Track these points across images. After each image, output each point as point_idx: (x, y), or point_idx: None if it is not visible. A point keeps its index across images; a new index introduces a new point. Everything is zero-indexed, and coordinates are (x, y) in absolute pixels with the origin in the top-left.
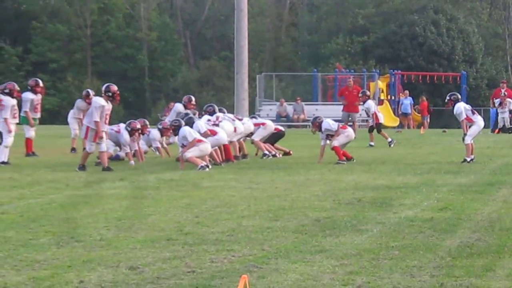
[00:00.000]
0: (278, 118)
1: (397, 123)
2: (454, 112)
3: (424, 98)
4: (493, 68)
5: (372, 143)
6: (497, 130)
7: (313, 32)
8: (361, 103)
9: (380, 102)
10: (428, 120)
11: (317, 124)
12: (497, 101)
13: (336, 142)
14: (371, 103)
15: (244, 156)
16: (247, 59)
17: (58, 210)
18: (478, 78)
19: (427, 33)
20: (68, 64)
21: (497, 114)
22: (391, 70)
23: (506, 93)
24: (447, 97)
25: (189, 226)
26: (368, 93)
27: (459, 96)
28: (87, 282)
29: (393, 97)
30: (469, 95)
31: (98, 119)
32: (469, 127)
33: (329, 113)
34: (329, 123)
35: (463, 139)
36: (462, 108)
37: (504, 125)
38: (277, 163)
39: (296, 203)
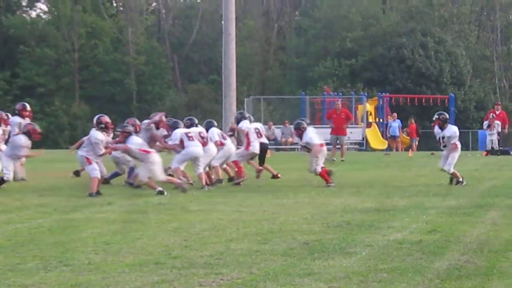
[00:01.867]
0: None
1: (385, 146)
2: (449, 134)
3: (413, 121)
4: (481, 90)
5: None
6: (485, 153)
7: (301, 55)
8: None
9: (369, 125)
10: (417, 143)
11: (300, 132)
12: (485, 123)
13: (318, 168)
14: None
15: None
16: (235, 82)
17: (46, 234)
18: (467, 101)
19: (415, 56)
20: (55, 88)
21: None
22: (379, 93)
23: (494, 115)
24: (436, 116)
25: (177, 249)
26: None
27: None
28: None
29: (381, 120)
30: (457, 117)
31: (101, 153)
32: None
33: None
34: (310, 137)
35: (444, 168)
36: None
37: (492, 147)
38: (266, 186)
39: (285, 226)
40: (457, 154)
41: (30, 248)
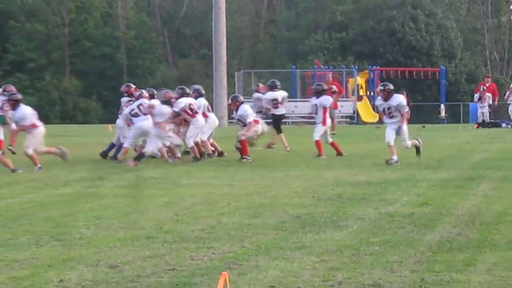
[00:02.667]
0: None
1: (376, 119)
2: (395, 104)
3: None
4: (472, 63)
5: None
6: (476, 125)
7: (292, 28)
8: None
9: (359, 98)
10: (408, 116)
11: (236, 104)
12: (476, 96)
13: (243, 136)
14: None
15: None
16: (225, 56)
17: (37, 209)
18: (457, 73)
19: (405, 29)
20: (46, 63)
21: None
22: (370, 66)
23: (485, 87)
24: (381, 87)
25: (168, 224)
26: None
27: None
28: (67, 281)
29: (372, 93)
30: (448, 90)
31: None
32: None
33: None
34: (246, 111)
35: (406, 145)
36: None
37: (483, 120)
38: (256, 161)
39: (276, 200)
40: (406, 126)
41: (22, 223)
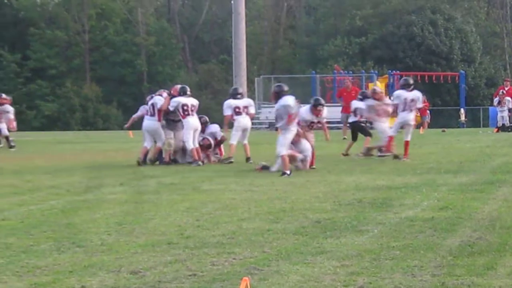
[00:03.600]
0: None
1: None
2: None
3: (424, 98)
4: (491, 67)
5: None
6: (496, 129)
7: (311, 34)
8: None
9: None
10: (428, 120)
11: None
12: (495, 100)
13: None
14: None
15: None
16: (245, 62)
17: (59, 215)
18: (477, 77)
19: (425, 33)
20: (66, 70)
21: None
22: (390, 71)
23: (504, 91)
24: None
25: (189, 229)
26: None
27: None
28: (89, 287)
29: (391, 98)
30: (468, 94)
31: None
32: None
33: (328, 115)
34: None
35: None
36: None
37: (503, 124)
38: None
39: (297, 205)
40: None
41: (43, 229)
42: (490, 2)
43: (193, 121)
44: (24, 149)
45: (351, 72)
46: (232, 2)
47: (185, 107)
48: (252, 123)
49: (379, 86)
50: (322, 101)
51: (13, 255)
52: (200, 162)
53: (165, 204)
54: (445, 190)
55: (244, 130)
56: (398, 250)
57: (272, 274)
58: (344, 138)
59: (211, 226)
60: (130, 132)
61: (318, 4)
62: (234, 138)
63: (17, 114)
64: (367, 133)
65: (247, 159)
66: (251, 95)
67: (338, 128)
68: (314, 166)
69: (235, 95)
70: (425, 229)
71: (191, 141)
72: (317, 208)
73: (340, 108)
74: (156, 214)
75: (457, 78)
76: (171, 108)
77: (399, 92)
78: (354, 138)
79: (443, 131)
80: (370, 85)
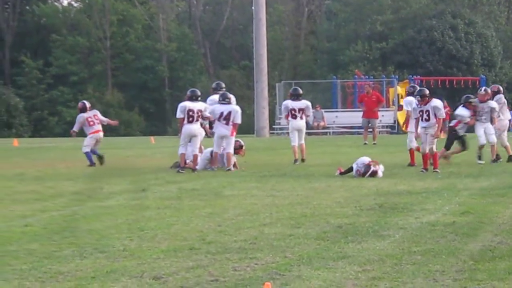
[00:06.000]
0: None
1: None
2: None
3: (446, 103)
4: None
5: None
6: None
7: (332, 39)
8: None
9: (400, 108)
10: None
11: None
12: None
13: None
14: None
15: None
16: (266, 67)
17: (81, 221)
18: (498, 82)
19: (445, 38)
20: (88, 76)
21: None
22: (410, 76)
23: None
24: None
25: (211, 235)
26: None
27: None
28: None
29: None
30: None
31: None
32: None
33: (349, 120)
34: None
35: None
36: None
37: None
38: (298, 171)
39: (318, 210)
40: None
41: (65, 235)
42: (510, 7)
43: (192, 128)
44: (46, 155)
45: (371, 77)
46: (253, 8)
47: (191, 113)
48: (272, 128)
49: (399, 91)
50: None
51: (36, 261)
52: (182, 170)
53: (187, 210)
54: (466, 195)
55: (300, 131)
56: (420, 255)
57: (293, 279)
58: (365, 143)
59: (233, 231)
60: (152, 138)
61: (339, 10)
62: (293, 140)
63: (39, 120)
64: (464, 145)
65: (302, 160)
66: (272, 101)
67: (359, 133)
68: None
69: (296, 96)
70: (447, 234)
71: (184, 147)
72: (338, 213)
73: (361, 113)
74: (178, 219)
75: (477, 82)
76: (181, 115)
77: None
78: (448, 146)
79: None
80: (391, 90)
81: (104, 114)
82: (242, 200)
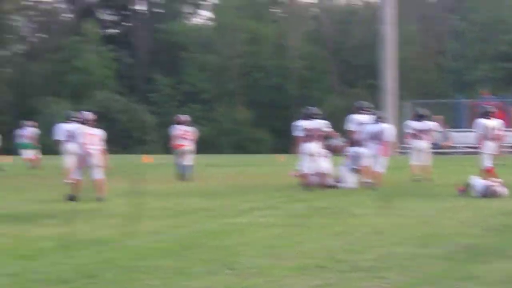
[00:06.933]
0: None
1: None
2: None
3: None
4: None
5: None
6: None
7: (458, 59)
8: None
9: None
10: None
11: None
12: None
13: None
14: None
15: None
16: (394, 87)
17: (211, 238)
18: None
19: None
20: (219, 94)
21: None
22: None
23: None
24: None
25: (340, 253)
26: None
27: None
28: None
29: None
30: None
31: None
32: None
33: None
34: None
35: None
36: None
37: None
38: (423, 190)
39: (444, 230)
40: None
41: (195, 251)
42: None
43: (311, 147)
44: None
45: (498, 97)
46: (381, 27)
47: (308, 132)
48: (400, 147)
49: None
50: None
51: (168, 277)
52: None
53: (316, 228)
54: None
55: (422, 152)
56: None
57: None
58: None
59: (362, 250)
60: (282, 156)
61: (466, 29)
62: (414, 158)
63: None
64: None
65: (427, 179)
66: (400, 120)
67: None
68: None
69: (419, 117)
70: None
71: (306, 164)
72: (464, 233)
73: None
74: (306, 237)
75: None
76: (299, 133)
77: None
78: None
79: None
80: None
81: (234, 131)
82: (371, 219)
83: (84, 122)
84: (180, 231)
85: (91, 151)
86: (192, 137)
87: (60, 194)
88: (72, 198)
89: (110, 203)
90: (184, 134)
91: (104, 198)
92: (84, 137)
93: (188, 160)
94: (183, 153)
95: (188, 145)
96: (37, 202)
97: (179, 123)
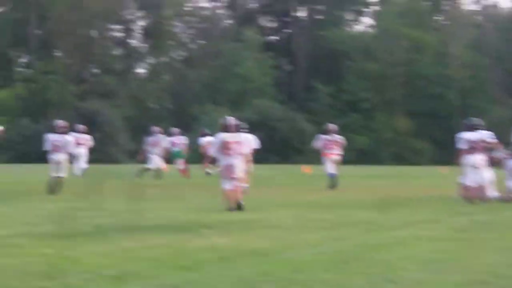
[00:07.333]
0: None
1: None
2: None
3: None
4: None
5: None
6: None
7: None
8: None
9: None
10: None
11: None
12: None
13: None
14: None
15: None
16: None
17: (372, 251)
18: None
19: None
20: (379, 103)
21: None
22: None
23: None
24: None
25: (503, 269)
26: None
27: None
28: None
29: None
30: None
31: None
32: None
33: None
34: None
35: None
36: None
37: None
38: None
39: None
40: None
41: (354, 265)
42: None
43: (474, 159)
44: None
45: None
46: None
47: (471, 144)
48: None
49: None
50: None
51: None
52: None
53: (478, 242)
54: None
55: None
56: None
57: None
58: None
59: None
60: (442, 168)
61: None
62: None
63: None
64: None
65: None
66: None
67: None
68: None
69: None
70: None
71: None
72: None
73: None
74: (468, 252)
75: None
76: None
77: None
78: None
79: None
80: None
81: (394, 142)
82: None
83: (227, 128)
84: (339, 244)
85: (236, 160)
86: (340, 146)
87: (217, 203)
88: (238, 208)
89: (269, 213)
90: (332, 143)
91: (242, 206)
92: (228, 145)
93: (335, 168)
94: (332, 162)
95: (337, 154)
96: (195, 211)
97: (327, 132)
